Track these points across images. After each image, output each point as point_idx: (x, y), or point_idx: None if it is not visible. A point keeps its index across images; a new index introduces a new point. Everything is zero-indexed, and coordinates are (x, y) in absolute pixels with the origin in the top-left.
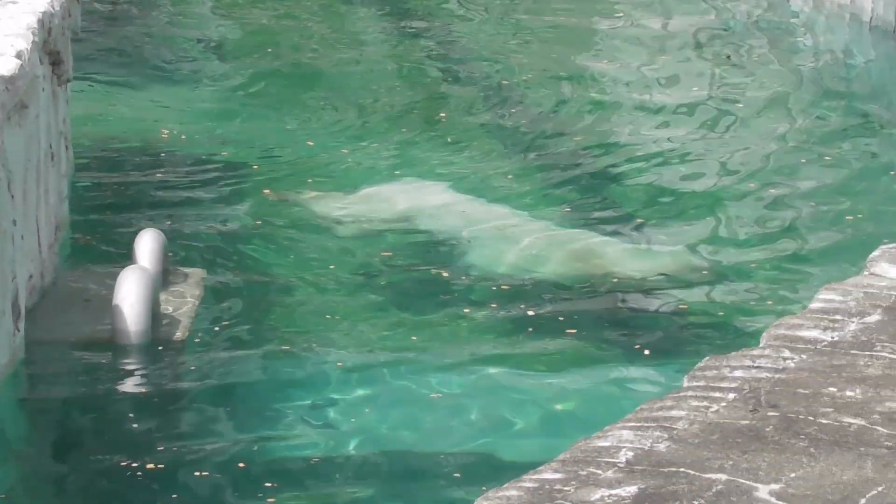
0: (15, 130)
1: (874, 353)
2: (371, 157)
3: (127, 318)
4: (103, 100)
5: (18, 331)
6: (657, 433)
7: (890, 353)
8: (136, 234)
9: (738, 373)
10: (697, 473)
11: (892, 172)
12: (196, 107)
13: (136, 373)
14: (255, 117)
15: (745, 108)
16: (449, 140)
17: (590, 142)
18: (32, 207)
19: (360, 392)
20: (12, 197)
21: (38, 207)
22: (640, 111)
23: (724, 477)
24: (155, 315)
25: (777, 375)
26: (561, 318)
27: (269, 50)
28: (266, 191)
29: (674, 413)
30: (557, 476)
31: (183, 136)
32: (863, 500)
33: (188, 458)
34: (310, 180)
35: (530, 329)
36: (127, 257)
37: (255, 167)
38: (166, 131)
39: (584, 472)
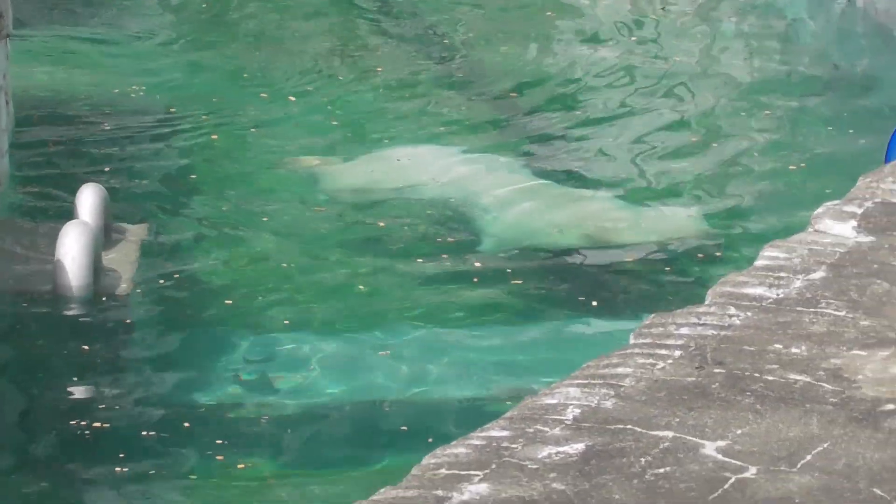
0: None
1: (819, 310)
2: (316, 110)
3: (68, 272)
4: (46, 54)
5: None
6: (604, 390)
7: (834, 310)
8: (77, 189)
9: (683, 330)
10: (644, 431)
11: (829, 128)
12: (143, 62)
13: (77, 327)
14: (203, 72)
15: (687, 63)
16: (426, 102)
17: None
18: None
19: (307, 349)
20: None
21: None
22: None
23: (670, 434)
24: (96, 270)
25: (723, 333)
26: (509, 271)
27: (219, 6)
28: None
29: (620, 370)
30: (505, 433)
31: (130, 92)
32: (809, 457)
33: (132, 416)
34: (256, 135)
35: (475, 279)
36: (69, 212)
37: (204, 120)
38: (112, 87)
39: (532, 430)
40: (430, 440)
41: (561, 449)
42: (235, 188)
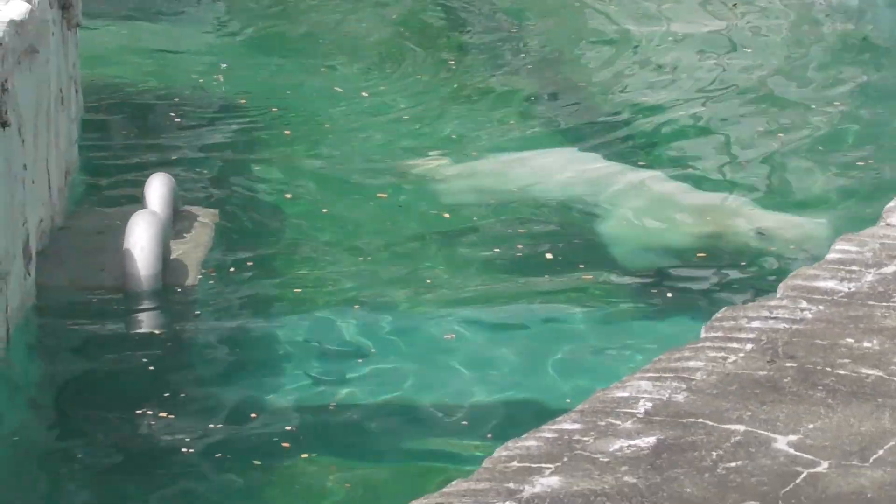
0: (25, 75)
1: (891, 304)
2: (388, 108)
3: (137, 263)
4: (114, 43)
5: (30, 275)
6: (675, 384)
7: None
8: (146, 178)
9: (755, 323)
10: (716, 424)
11: None
12: (211, 52)
13: (147, 318)
14: (273, 65)
15: (753, 52)
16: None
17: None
18: (43, 152)
19: (376, 341)
20: (23, 141)
21: (49, 152)
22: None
23: (742, 428)
24: (165, 260)
25: (794, 326)
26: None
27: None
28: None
29: (692, 364)
30: (576, 426)
31: (199, 83)
32: (881, 451)
33: (200, 406)
34: (330, 130)
35: (548, 276)
36: (137, 201)
37: (274, 112)
38: (181, 77)
39: (603, 423)
40: (497, 433)
41: (632, 442)
42: (307, 180)
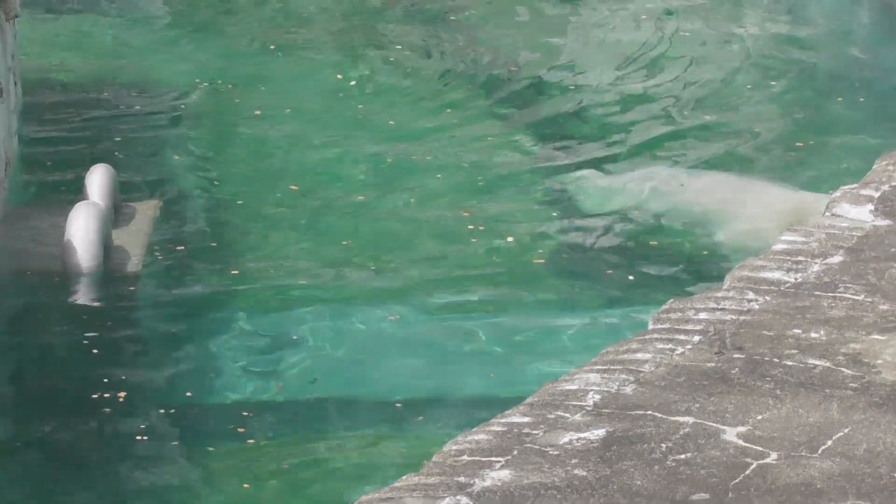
0: None
1: (837, 295)
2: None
3: (78, 251)
4: (52, 34)
5: None
6: (624, 376)
7: (853, 294)
8: (87, 169)
9: (702, 315)
10: (664, 416)
11: (846, 110)
12: (150, 41)
13: (89, 306)
14: (215, 53)
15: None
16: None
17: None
18: None
19: (319, 326)
20: None
21: None
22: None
23: (691, 420)
24: (107, 249)
25: (741, 317)
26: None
27: None
28: None
29: (639, 356)
30: (526, 419)
31: (142, 73)
32: (829, 442)
33: (146, 392)
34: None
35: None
36: (78, 192)
37: (220, 99)
38: (123, 68)
39: (553, 416)
40: (449, 427)
41: (582, 435)
42: (253, 166)
